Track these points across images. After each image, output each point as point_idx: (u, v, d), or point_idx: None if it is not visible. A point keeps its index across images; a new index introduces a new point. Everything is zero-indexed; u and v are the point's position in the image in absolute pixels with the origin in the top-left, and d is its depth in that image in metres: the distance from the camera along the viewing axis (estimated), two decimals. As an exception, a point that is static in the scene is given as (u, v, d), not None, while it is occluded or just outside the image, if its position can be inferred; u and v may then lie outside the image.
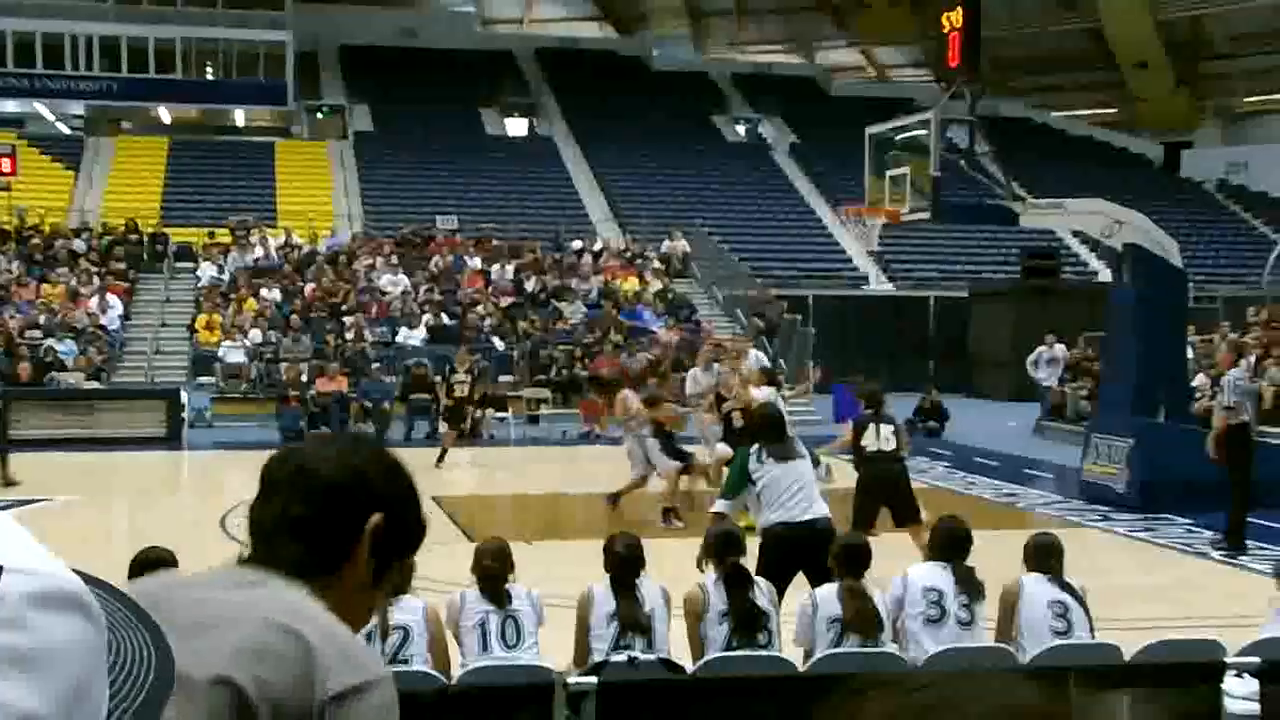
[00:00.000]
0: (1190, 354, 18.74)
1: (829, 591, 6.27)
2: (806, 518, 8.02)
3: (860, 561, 6.33)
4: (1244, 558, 11.94)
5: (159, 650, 0.86)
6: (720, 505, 8.62)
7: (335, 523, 1.87)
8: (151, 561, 5.67)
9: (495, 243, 31.45)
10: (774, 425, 8.69)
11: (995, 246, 35.63)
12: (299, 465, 1.93)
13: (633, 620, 6.03)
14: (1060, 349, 24.36)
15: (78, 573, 0.86)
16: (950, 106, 17.88)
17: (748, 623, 6.17)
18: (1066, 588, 6.34)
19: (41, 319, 25.11)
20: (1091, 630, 6.25)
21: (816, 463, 9.08)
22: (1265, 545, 12.12)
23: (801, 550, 7.63)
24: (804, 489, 8.22)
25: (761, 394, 13.78)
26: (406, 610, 5.69)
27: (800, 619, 6.30)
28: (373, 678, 1.75)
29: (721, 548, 6.44)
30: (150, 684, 0.83)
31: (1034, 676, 0.86)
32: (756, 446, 8.42)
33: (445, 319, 26.64)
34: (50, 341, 24.00)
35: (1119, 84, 50.74)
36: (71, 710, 0.73)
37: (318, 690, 1.70)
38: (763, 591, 6.34)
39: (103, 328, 25.39)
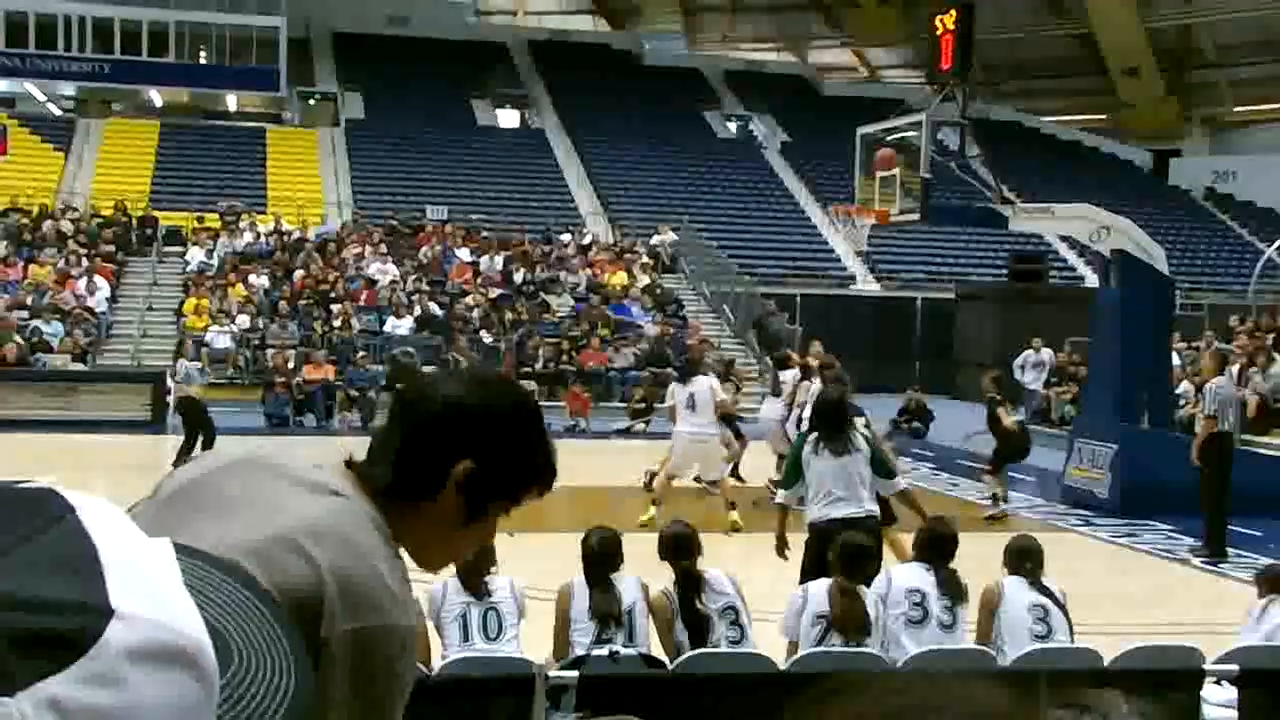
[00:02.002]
0: (1176, 361, 18.83)
1: (820, 588, 6.26)
2: (845, 514, 7.82)
3: (860, 564, 6.31)
4: (1224, 565, 12.02)
5: (297, 686, 0.78)
6: (780, 496, 8.55)
7: (424, 457, 1.90)
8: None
9: (484, 234, 31.44)
10: (832, 417, 8.41)
11: (983, 249, 35.72)
12: (415, 394, 2.00)
13: (606, 614, 6.03)
14: (1047, 353, 24.43)
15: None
16: (941, 109, 17.94)
17: (696, 629, 6.15)
18: (1046, 591, 6.38)
19: (28, 300, 25.03)
20: (1071, 634, 6.29)
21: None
22: (1245, 552, 12.19)
23: None
24: (851, 484, 8.01)
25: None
26: None
27: (789, 611, 6.31)
28: (379, 624, 1.73)
29: (672, 550, 6.41)
30: (285, 709, 0.76)
31: (1013, 681, 0.87)
32: (814, 437, 8.24)
33: (433, 309, 26.62)
34: (37, 322, 23.93)
35: (1108, 90, 50.88)
36: None
37: (323, 624, 1.70)
38: (720, 593, 6.27)
39: (90, 310, 25.32)
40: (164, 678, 0.67)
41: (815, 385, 14.29)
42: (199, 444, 17.20)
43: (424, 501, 1.89)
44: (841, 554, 6.35)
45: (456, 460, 1.88)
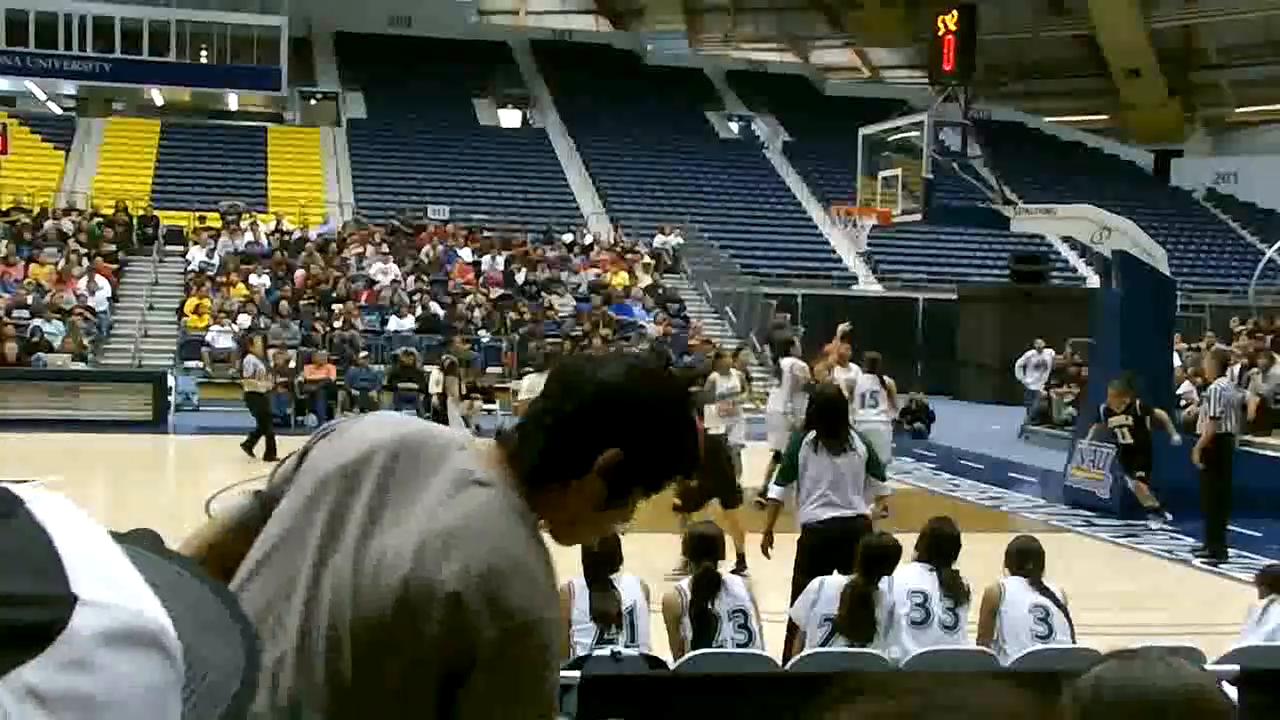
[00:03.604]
0: (1177, 362, 18.81)
1: (834, 586, 6.24)
2: (834, 515, 7.77)
3: (881, 567, 6.25)
4: (1224, 565, 12.01)
5: (249, 657, 0.81)
6: (773, 491, 8.47)
7: (574, 441, 1.94)
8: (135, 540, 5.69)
9: (486, 233, 31.43)
10: (830, 414, 8.26)
11: (984, 250, 35.71)
12: (570, 377, 2.02)
13: (606, 614, 6.03)
14: (1048, 354, 24.42)
15: (172, 555, 0.85)
16: (943, 109, 17.93)
17: (704, 628, 6.16)
18: (1048, 592, 6.37)
19: (29, 299, 25.02)
20: (1072, 635, 6.29)
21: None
22: (1245, 553, 12.18)
23: (833, 548, 7.30)
24: (845, 485, 7.93)
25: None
26: None
27: (803, 598, 6.32)
28: (526, 620, 1.80)
29: (697, 549, 6.42)
30: (234, 696, 0.78)
31: (1024, 683, 0.87)
32: (813, 436, 8.13)
33: (435, 309, 26.62)
34: (37, 321, 23.93)
35: (1110, 91, 50.88)
36: None
37: (472, 624, 1.78)
38: (734, 596, 6.30)
39: (90, 309, 25.32)
40: (135, 659, 0.69)
41: (853, 376, 14.38)
42: (261, 440, 17.47)
43: (566, 486, 1.95)
44: (865, 555, 6.27)
45: (606, 447, 1.92)
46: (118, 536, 0.80)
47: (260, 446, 17.41)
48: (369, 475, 1.94)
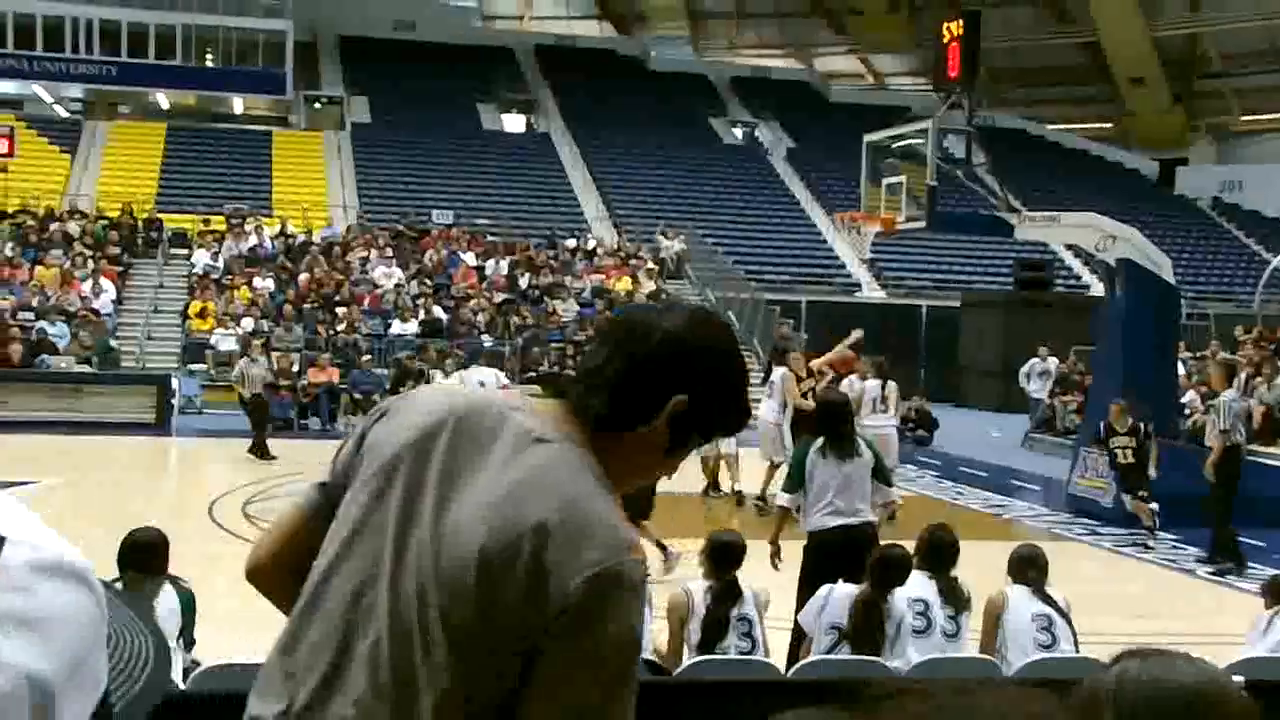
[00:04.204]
0: (1181, 370, 18.80)
1: (843, 595, 6.21)
2: (841, 523, 7.72)
3: (894, 576, 6.21)
4: (1230, 575, 11.99)
5: (157, 651, 0.89)
6: (782, 499, 8.40)
7: (643, 388, 1.97)
8: (142, 543, 5.69)
9: (490, 238, 31.45)
10: (836, 419, 8.19)
11: (988, 257, 35.70)
12: (632, 327, 2.04)
13: None
14: (1052, 361, 24.40)
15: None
16: (947, 116, 17.94)
17: (711, 635, 6.14)
18: (1051, 601, 6.35)
19: (34, 301, 25.04)
20: (1076, 644, 6.27)
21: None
22: (1251, 563, 12.17)
23: (840, 555, 7.30)
24: (852, 493, 7.87)
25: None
26: None
27: (811, 605, 6.30)
28: (611, 566, 1.81)
29: (720, 558, 6.39)
30: (148, 677, 0.85)
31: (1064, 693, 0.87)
32: (820, 442, 8.04)
33: (438, 313, 26.62)
34: (42, 324, 23.94)
35: (1115, 99, 50.88)
36: (74, 676, 0.76)
37: (550, 581, 1.80)
38: (750, 604, 6.30)
39: (95, 312, 25.33)
40: (65, 589, 0.77)
41: (867, 386, 14.40)
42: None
43: (632, 431, 1.98)
44: (878, 566, 6.24)
45: (674, 393, 1.96)
46: None
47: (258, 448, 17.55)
48: (435, 450, 1.96)
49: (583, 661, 1.80)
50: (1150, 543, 13.46)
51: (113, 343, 23.96)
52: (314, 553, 2.06)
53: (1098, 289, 30.42)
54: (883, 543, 6.92)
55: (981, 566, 6.95)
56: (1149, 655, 1.54)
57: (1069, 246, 35.09)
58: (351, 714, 1.89)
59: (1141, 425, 13.66)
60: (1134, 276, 15.68)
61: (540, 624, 1.80)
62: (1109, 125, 51.75)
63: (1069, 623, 6.29)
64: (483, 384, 15.51)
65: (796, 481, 8.06)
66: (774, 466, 14.07)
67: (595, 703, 1.82)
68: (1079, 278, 36.14)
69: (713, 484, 15.19)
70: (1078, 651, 6.22)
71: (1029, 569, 6.44)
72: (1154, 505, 13.65)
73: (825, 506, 7.82)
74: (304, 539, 2.08)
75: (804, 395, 14.11)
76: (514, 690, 1.83)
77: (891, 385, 15.24)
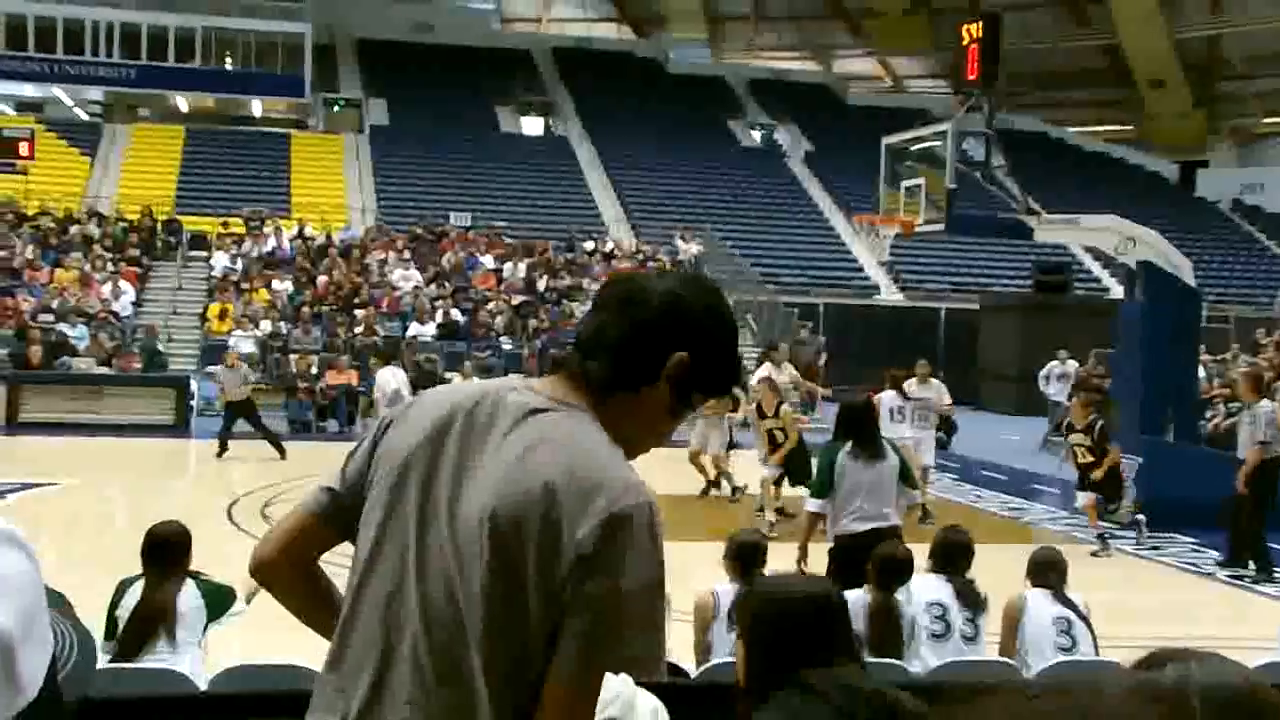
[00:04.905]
0: (1201, 374, 18.70)
1: (856, 602, 6.17)
2: (869, 528, 7.68)
3: (896, 577, 6.18)
4: (1247, 578, 11.92)
5: (81, 645, 1.02)
6: (811, 505, 8.34)
7: (645, 349, 2.04)
8: (162, 537, 5.70)
9: (508, 241, 31.47)
10: (862, 422, 8.17)
11: (1007, 260, 35.59)
12: (628, 291, 2.11)
13: None
14: (1072, 364, 24.30)
15: None
16: (966, 119, 17.88)
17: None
18: (1070, 604, 6.31)
19: (54, 303, 25.15)
20: (1096, 647, 6.23)
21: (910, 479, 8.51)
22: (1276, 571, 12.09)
23: (866, 560, 7.06)
24: (880, 496, 7.85)
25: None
26: None
27: None
28: (621, 509, 1.86)
29: (745, 558, 6.37)
30: (73, 665, 0.95)
31: (1160, 697, 0.87)
32: (849, 446, 8.00)
33: (456, 315, 26.65)
34: (62, 326, 24.04)
35: (1135, 101, 50.68)
36: (29, 630, 0.82)
37: (564, 531, 1.85)
38: None
39: (114, 314, 25.44)
40: (7, 552, 0.85)
41: (884, 397, 14.33)
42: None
43: (637, 392, 2.05)
44: (878, 566, 6.22)
45: (673, 351, 2.02)
46: None
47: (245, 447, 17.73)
48: (446, 446, 2.02)
49: (604, 606, 1.84)
50: (1104, 550, 12.85)
51: (160, 346, 24.06)
52: (317, 554, 2.15)
53: (1117, 292, 30.30)
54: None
55: (1000, 570, 6.91)
56: (1203, 657, 1.53)
57: (1088, 249, 34.97)
58: (406, 715, 1.94)
59: (1096, 424, 13.29)
60: (1154, 279, 15.61)
61: (560, 578, 1.84)
62: (1129, 128, 51.55)
63: (1089, 626, 6.25)
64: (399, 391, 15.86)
65: (825, 487, 8.01)
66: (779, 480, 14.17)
67: (622, 646, 1.85)
68: (1098, 281, 36.01)
69: (713, 483, 15.25)
70: (1098, 655, 6.18)
71: (1048, 572, 6.40)
72: (1125, 507, 13.40)
73: (854, 511, 7.78)
74: (308, 538, 2.15)
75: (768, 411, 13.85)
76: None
77: (936, 384, 15.39)
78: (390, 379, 16.59)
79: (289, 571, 2.17)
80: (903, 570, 6.23)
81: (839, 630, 2.71)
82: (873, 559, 6.30)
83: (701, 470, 15.25)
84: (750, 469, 14.75)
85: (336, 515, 2.12)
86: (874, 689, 2.65)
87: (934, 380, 15.77)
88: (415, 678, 1.94)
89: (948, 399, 15.96)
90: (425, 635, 1.94)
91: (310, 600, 2.19)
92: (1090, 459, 13.21)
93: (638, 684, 1.89)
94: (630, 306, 2.07)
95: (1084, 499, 13.34)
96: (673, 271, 2.49)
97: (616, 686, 1.88)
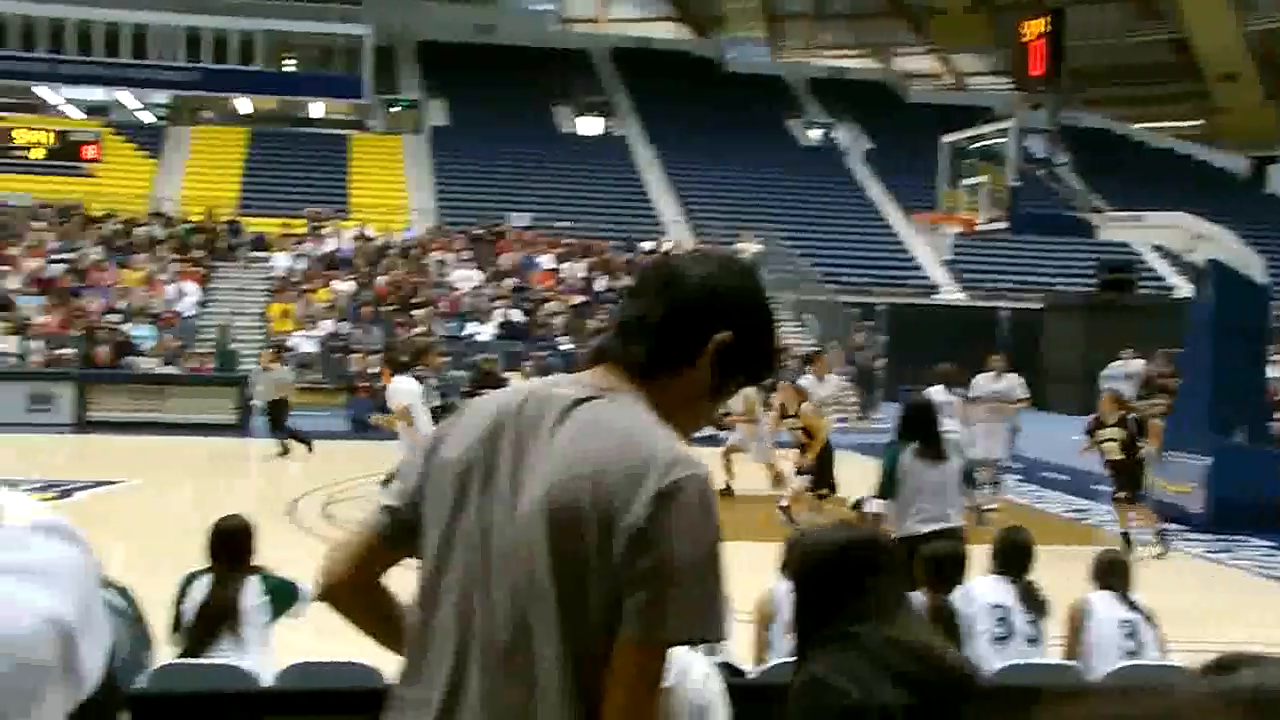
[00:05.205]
0: (1273, 373, 18.37)
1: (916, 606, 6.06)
2: (932, 528, 7.58)
3: (949, 573, 6.10)
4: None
5: (134, 636, 0.98)
6: (875, 506, 8.27)
7: (685, 329, 2.06)
8: (228, 530, 5.72)
9: (567, 241, 31.51)
10: (923, 422, 8.04)
11: (1070, 258, 35.16)
12: (669, 274, 2.13)
13: None
14: (1137, 364, 23.96)
15: None
16: (1029, 116, 17.68)
17: None
18: (1135, 607, 6.19)
19: (120, 304, 25.50)
20: (1162, 651, 6.11)
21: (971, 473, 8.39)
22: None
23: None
24: (944, 496, 7.76)
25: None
26: None
27: None
28: (669, 483, 1.89)
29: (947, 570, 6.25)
30: (128, 655, 0.93)
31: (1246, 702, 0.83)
32: (913, 446, 7.92)
33: (515, 316, 26.73)
34: (128, 326, 24.37)
35: (1203, 96, 49.91)
36: (86, 620, 0.84)
37: (620, 511, 1.88)
38: None
39: (179, 314, 25.75)
40: (61, 545, 0.87)
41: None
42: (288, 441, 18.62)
43: (679, 374, 2.06)
44: (930, 564, 6.11)
45: (714, 332, 2.05)
46: None
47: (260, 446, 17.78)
48: (501, 451, 2.04)
49: (663, 578, 1.87)
50: (1133, 547, 12.09)
51: (231, 346, 24.40)
52: (382, 573, 2.19)
53: (1184, 290, 29.87)
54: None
55: (1064, 572, 6.80)
56: (1277, 661, 1.48)
57: (1155, 247, 34.47)
58: (480, 714, 1.97)
59: (1131, 420, 12.97)
60: (1223, 277, 15.34)
61: (619, 558, 1.88)
62: (1197, 123, 50.76)
63: (1155, 629, 6.14)
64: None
65: (889, 488, 7.92)
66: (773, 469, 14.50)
67: (683, 614, 1.88)
68: (1164, 280, 35.49)
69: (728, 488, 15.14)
70: (1164, 658, 6.07)
71: (1113, 574, 6.29)
72: (1142, 514, 12.85)
73: (918, 512, 7.68)
74: (373, 559, 2.18)
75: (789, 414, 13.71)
76: None
77: (1009, 378, 15.39)
78: (406, 393, 12.60)
79: (357, 593, 2.20)
80: (954, 569, 6.12)
81: (883, 579, 2.66)
82: (923, 559, 6.18)
83: (728, 469, 15.14)
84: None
85: (398, 533, 2.14)
86: (919, 643, 2.62)
87: (1009, 375, 15.63)
88: (490, 685, 1.97)
89: (1020, 393, 15.77)
90: (496, 637, 1.97)
91: (378, 619, 2.22)
92: (1122, 456, 12.84)
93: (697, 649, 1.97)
94: (670, 289, 2.08)
95: (1115, 505, 12.87)
96: (709, 254, 2.49)
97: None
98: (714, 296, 2.07)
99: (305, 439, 18.40)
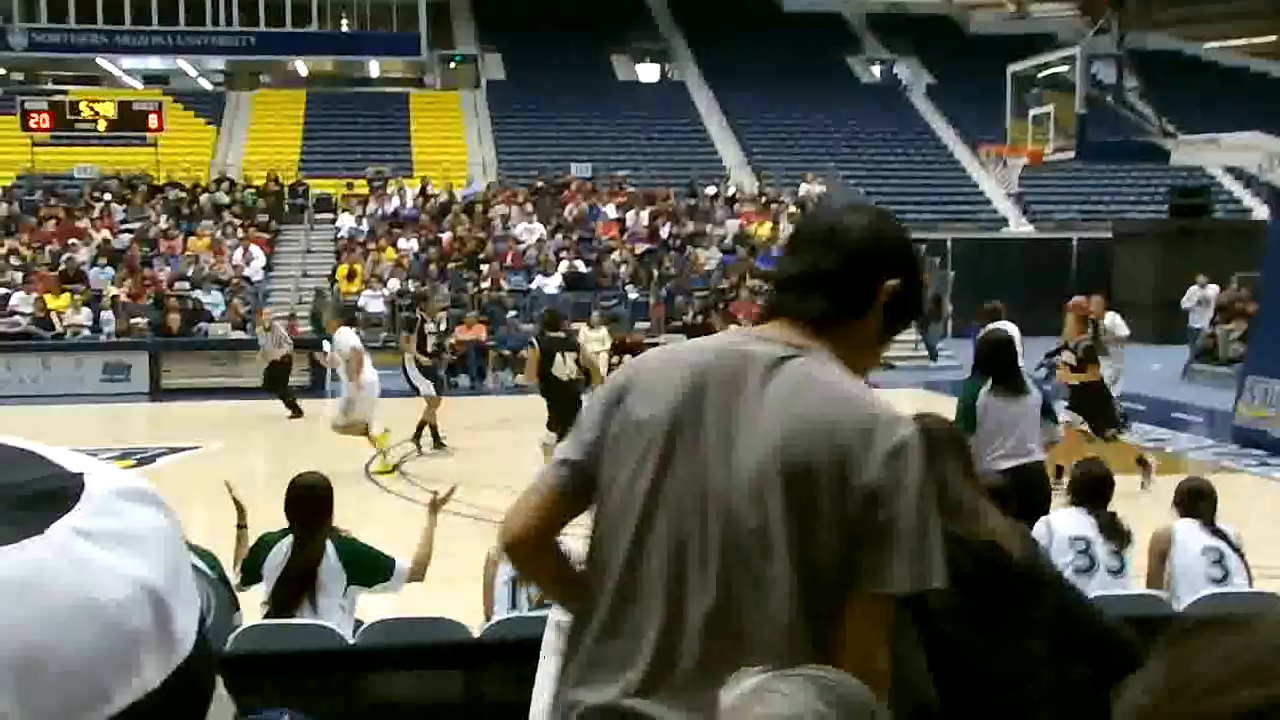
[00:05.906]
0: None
1: (1067, 518, 6.10)
2: (1013, 464, 7.48)
3: (1101, 491, 6.16)
4: None
5: (218, 599, 0.96)
6: None
7: (857, 279, 2.13)
8: (305, 487, 5.76)
9: (629, 189, 31.40)
10: (1002, 359, 7.87)
11: (1140, 185, 34.52)
12: (831, 227, 2.20)
13: None
14: (1212, 289, 23.52)
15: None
16: (1096, 41, 17.31)
17: None
18: (1221, 534, 6.08)
19: (189, 271, 25.79)
20: (1250, 579, 6.00)
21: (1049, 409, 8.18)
22: None
23: (1010, 499, 7.01)
24: (1024, 433, 7.64)
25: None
26: None
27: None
28: (897, 441, 1.96)
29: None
30: (213, 620, 0.91)
31: None
32: (991, 382, 7.74)
33: (580, 266, 26.72)
34: (197, 293, 24.64)
35: (1277, 10, 48.50)
36: (177, 585, 0.83)
37: (854, 467, 1.94)
38: None
39: (246, 279, 26.00)
40: (147, 511, 0.85)
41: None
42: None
43: (852, 324, 2.14)
44: (1081, 484, 6.20)
45: (881, 281, 2.12)
46: None
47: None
48: (704, 407, 2.06)
49: (896, 530, 1.94)
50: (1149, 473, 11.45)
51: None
52: (563, 527, 2.21)
53: (1261, 212, 29.23)
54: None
55: (1145, 501, 6.70)
56: None
57: (1229, 169, 33.75)
58: (701, 678, 1.91)
59: (1082, 345, 12.33)
60: (1300, 197, 14.99)
61: (854, 511, 1.93)
62: (1273, 39, 49.33)
63: (1242, 557, 6.03)
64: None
65: (969, 425, 7.80)
66: None
67: (914, 562, 1.95)
68: (1239, 201, 34.74)
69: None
70: (1251, 586, 5.96)
71: (1197, 502, 6.19)
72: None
73: (998, 450, 7.58)
74: (557, 515, 2.20)
75: None
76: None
77: (1111, 316, 15.06)
78: (353, 344, 14.66)
79: (541, 550, 2.21)
80: (1104, 485, 6.15)
81: (950, 468, 2.66)
82: (1072, 479, 6.25)
83: None
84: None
85: (580, 488, 2.17)
86: (985, 540, 2.61)
87: (1110, 313, 15.37)
88: (709, 642, 1.98)
89: (1122, 330, 15.49)
90: (719, 596, 1.99)
91: (559, 575, 2.24)
92: (1074, 381, 12.31)
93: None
94: (836, 241, 2.14)
95: (1065, 417, 11.34)
96: (859, 204, 2.62)
97: None
98: (880, 245, 2.15)
99: (295, 406, 18.63)
